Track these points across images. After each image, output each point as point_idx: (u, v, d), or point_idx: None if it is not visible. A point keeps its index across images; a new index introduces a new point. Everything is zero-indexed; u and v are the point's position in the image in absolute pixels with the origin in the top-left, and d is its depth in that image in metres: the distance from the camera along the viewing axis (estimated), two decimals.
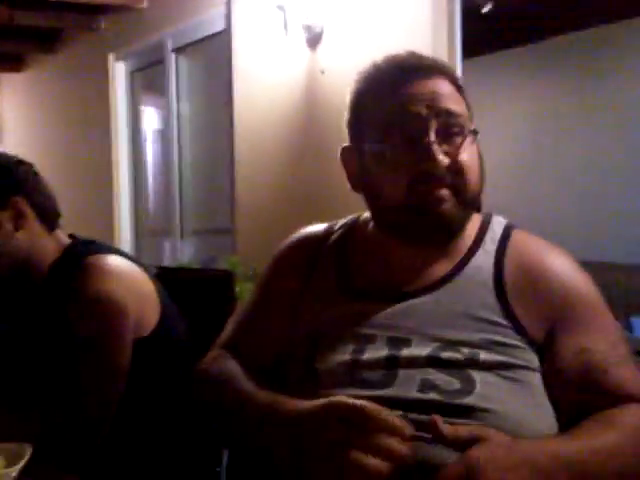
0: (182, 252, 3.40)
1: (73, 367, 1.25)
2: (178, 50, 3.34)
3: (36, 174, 1.38)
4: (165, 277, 1.52)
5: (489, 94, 4.16)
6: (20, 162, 1.37)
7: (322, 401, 0.78)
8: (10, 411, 1.23)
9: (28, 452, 1.06)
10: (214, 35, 3.07)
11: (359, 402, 0.75)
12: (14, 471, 1.03)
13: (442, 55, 2.09)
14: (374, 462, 0.71)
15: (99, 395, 1.25)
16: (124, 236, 3.63)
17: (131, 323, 1.35)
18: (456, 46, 2.19)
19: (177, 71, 3.36)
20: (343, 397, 0.77)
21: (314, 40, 2.60)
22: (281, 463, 0.82)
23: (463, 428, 0.76)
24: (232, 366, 1.03)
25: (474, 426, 0.79)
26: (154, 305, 1.42)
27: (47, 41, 3.91)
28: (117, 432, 1.26)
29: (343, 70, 2.42)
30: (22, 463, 1.04)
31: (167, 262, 3.50)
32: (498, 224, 1.00)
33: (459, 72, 2.07)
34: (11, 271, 1.36)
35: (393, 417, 0.74)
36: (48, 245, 1.38)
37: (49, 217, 1.38)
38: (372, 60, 0.97)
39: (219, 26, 3.00)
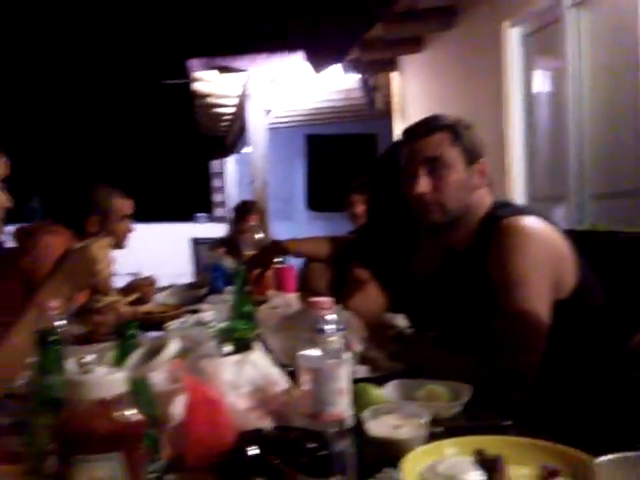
0: (578, 217, 3.30)
1: (500, 320, 1.36)
2: (577, 5, 3.19)
3: None
4: (577, 240, 1.52)
5: None
6: None
7: None
8: (450, 353, 1.40)
9: (468, 392, 1.20)
10: None
11: None
12: (455, 406, 1.18)
13: None
14: None
15: (525, 347, 1.33)
16: (518, 201, 3.67)
17: (549, 283, 1.39)
18: None
19: (577, 28, 3.21)
20: None
21: None
22: None
23: None
24: None
25: None
26: (571, 267, 1.44)
27: (444, 19, 4.15)
28: (540, 386, 1.32)
29: None
30: (462, 400, 1.19)
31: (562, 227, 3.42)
32: None
33: None
34: (451, 217, 1.53)
35: None
36: (483, 204, 1.52)
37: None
38: None
39: None
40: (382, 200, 1.99)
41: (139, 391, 0.78)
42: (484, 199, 1.51)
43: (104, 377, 0.68)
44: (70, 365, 0.85)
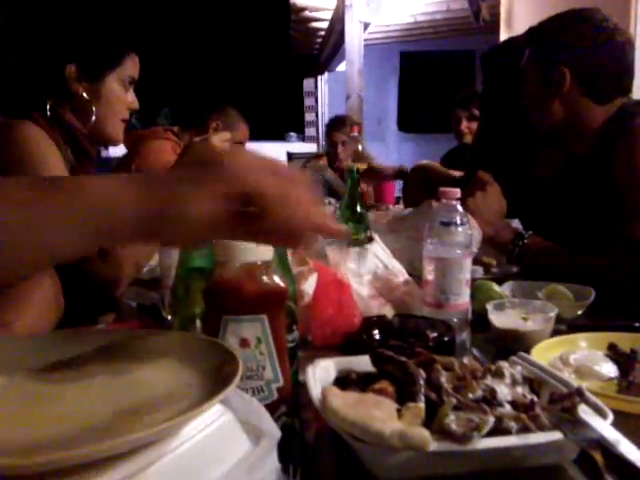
0: None
1: (630, 223, 1.30)
2: None
3: (606, 49, 1.41)
4: None
5: None
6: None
7: None
8: (581, 255, 1.35)
9: (591, 294, 1.17)
10: None
11: None
12: (580, 306, 1.15)
13: None
14: None
15: None
16: None
17: None
18: None
19: None
20: None
21: None
22: None
23: None
24: None
25: None
26: None
27: None
28: None
29: None
30: (587, 301, 1.15)
31: None
32: None
33: None
34: (550, 131, 1.49)
35: None
36: (594, 113, 1.43)
37: (600, 90, 1.42)
38: None
39: None
40: (496, 103, 1.90)
41: (280, 263, 0.80)
42: (584, 110, 1.43)
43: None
44: None
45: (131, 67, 1.51)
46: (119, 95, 1.49)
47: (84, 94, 1.44)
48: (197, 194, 0.52)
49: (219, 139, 1.42)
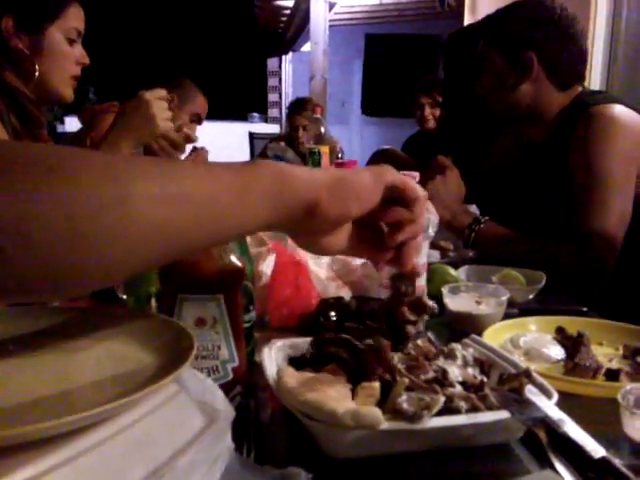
0: None
1: (583, 212, 1.33)
2: None
3: (567, 35, 1.44)
4: None
5: None
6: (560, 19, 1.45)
7: None
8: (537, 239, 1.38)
9: (543, 279, 1.20)
10: None
11: None
12: (531, 291, 1.18)
13: None
14: None
15: (606, 239, 1.31)
16: None
17: (634, 171, 1.35)
18: None
19: None
20: None
21: None
22: None
23: None
24: None
25: None
26: None
27: None
28: (617, 276, 1.31)
29: None
30: (538, 286, 1.19)
31: None
32: None
33: None
34: (512, 116, 1.51)
35: None
36: (555, 99, 1.46)
37: (561, 75, 1.45)
38: None
39: None
40: (457, 90, 1.92)
41: (238, 243, 0.80)
42: (548, 95, 1.46)
43: None
44: None
45: (74, 18, 1.43)
46: (63, 48, 1.42)
47: (24, 49, 1.37)
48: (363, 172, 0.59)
49: (153, 95, 1.38)
